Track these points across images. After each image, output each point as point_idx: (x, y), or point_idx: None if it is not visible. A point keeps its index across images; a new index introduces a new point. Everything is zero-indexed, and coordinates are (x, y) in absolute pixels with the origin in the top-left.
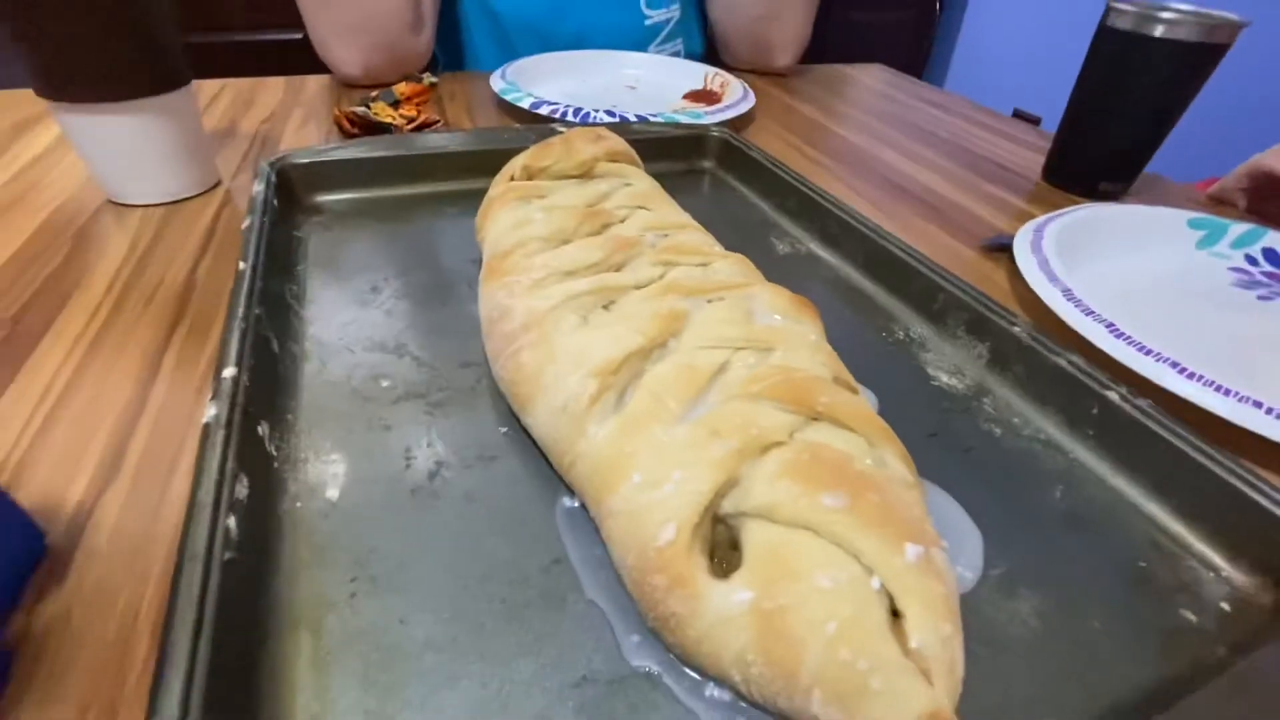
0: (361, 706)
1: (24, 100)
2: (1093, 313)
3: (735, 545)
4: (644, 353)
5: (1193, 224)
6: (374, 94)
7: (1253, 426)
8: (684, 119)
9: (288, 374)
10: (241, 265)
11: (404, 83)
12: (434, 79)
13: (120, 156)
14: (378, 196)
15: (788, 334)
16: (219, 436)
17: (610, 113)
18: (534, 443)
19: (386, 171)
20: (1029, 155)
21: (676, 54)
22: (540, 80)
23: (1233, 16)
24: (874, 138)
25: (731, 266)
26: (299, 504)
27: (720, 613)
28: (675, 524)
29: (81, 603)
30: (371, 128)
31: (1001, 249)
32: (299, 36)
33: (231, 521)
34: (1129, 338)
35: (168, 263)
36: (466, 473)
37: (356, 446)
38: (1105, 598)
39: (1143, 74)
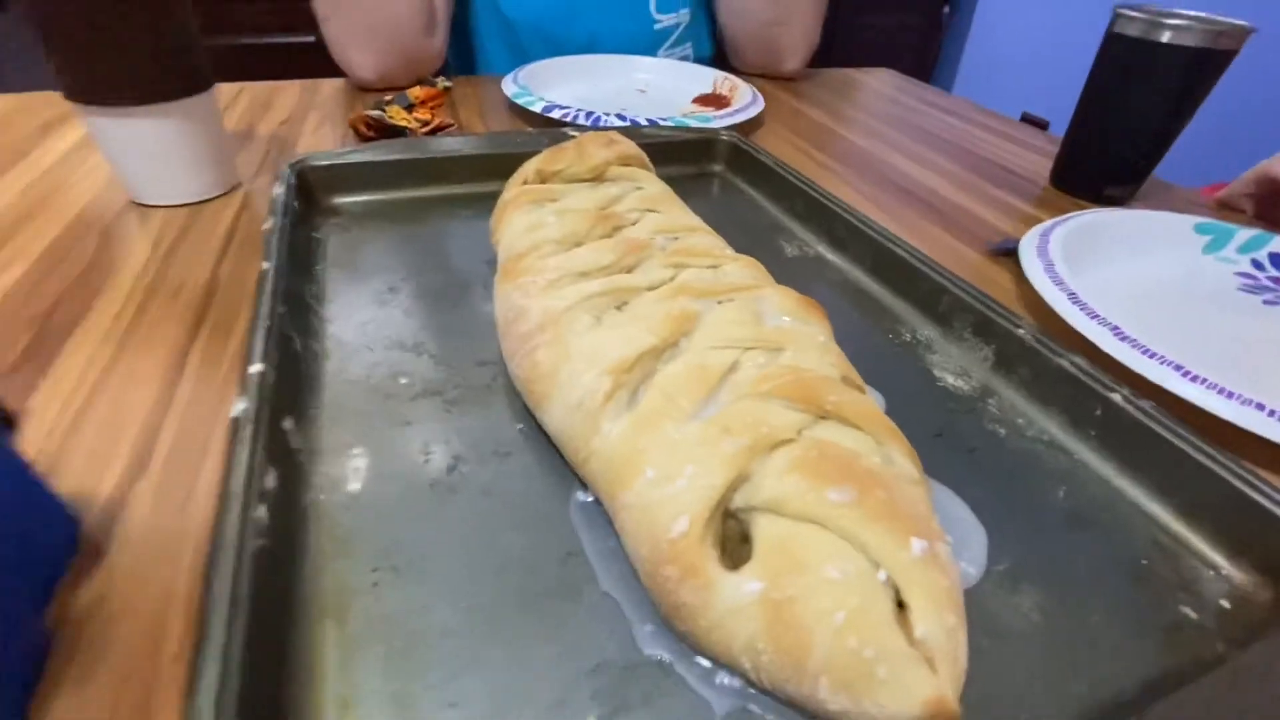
0: (386, 689)
1: (48, 102)
2: (1098, 316)
3: (745, 539)
4: (656, 352)
5: (1199, 229)
6: (389, 97)
7: (1254, 428)
8: (693, 123)
9: (310, 371)
10: (265, 265)
11: (418, 86)
12: (448, 83)
13: (145, 158)
14: (394, 199)
15: (796, 335)
16: (248, 430)
17: (621, 116)
18: (549, 439)
19: (402, 174)
20: (1036, 160)
21: (686, 58)
22: (551, 84)
23: (1240, 23)
24: (882, 142)
25: (741, 269)
26: (323, 496)
27: (731, 603)
28: (688, 517)
29: (116, 588)
30: (387, 131)
31: (1008, 253)
32: (311, 39)
33: (261, 511)
34: (1134, 341)
35: (191, 263)
36: (483, 468)
37: (377, 441)
38: (1106, 594)
39: (1150, 80)
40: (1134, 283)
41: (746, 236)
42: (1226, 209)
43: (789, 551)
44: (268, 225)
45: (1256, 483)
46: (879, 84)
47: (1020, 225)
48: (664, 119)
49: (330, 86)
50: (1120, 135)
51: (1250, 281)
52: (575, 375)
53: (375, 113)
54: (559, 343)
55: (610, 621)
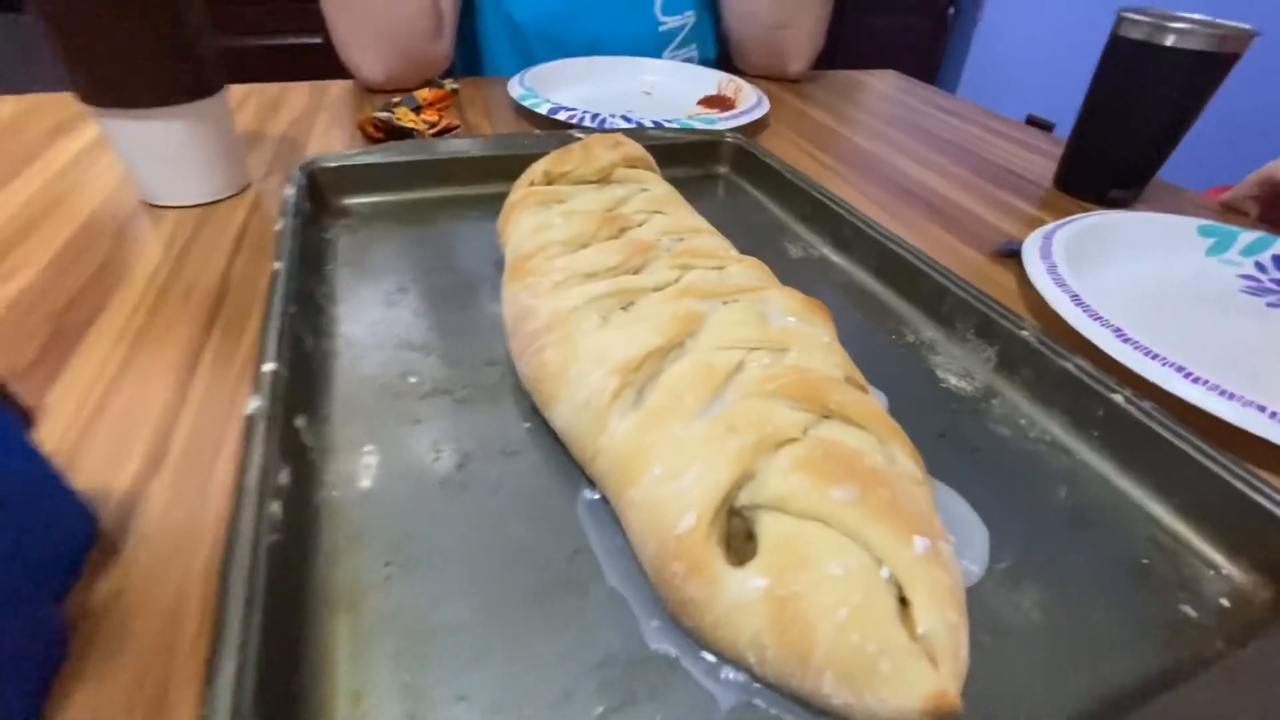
0: (398, 681)
1: (61, 104)
2: (1100, 318)
3: (750, 536)
4: (663, 352)
5: (1203, 231)
6: (396, 99)
7: (1255, 430)
8: (699, 125)
9: (321, 370)
10: (276, 266)
11: (425, 88)
12: (454, 85)
13: (159, 160)
14: (402, 200)
15: (801, 335)
16: (261, 428)
17: (626, 118)
18: (556, 437)
19: (411, 176)
20: (1040, 162)
21: (691, 60)
22: (557, 86)
23: (1244, 26)
24: (886, 143)
25: (746, 270)
26: (335, 493)
27: (736, 598)
28: (694, 513)
29: (133, 583)
30: (395, 132)
31: (1012, 255)
32: (318, 41)
33: (275, 507)
34: (1136, 342)
35: (203, 262)
36: (492, 465)
37: (387, 439)
38: (1107, 592)
39: (1154, 83)
40: (1137, 285)
41: (751, 238)
42: (1231, 212)
43: (793, 548)
44: (279, 226)
45: (1257, 483)
46: (883, 86)
47: (1024, 227)
48: (669, 121)
49: (338, 88)
50: (1124, 138)
51: (1254, 284)
52: (583, 374)
53: (383, 114)
54: (566, 342)
55: (617, 617)
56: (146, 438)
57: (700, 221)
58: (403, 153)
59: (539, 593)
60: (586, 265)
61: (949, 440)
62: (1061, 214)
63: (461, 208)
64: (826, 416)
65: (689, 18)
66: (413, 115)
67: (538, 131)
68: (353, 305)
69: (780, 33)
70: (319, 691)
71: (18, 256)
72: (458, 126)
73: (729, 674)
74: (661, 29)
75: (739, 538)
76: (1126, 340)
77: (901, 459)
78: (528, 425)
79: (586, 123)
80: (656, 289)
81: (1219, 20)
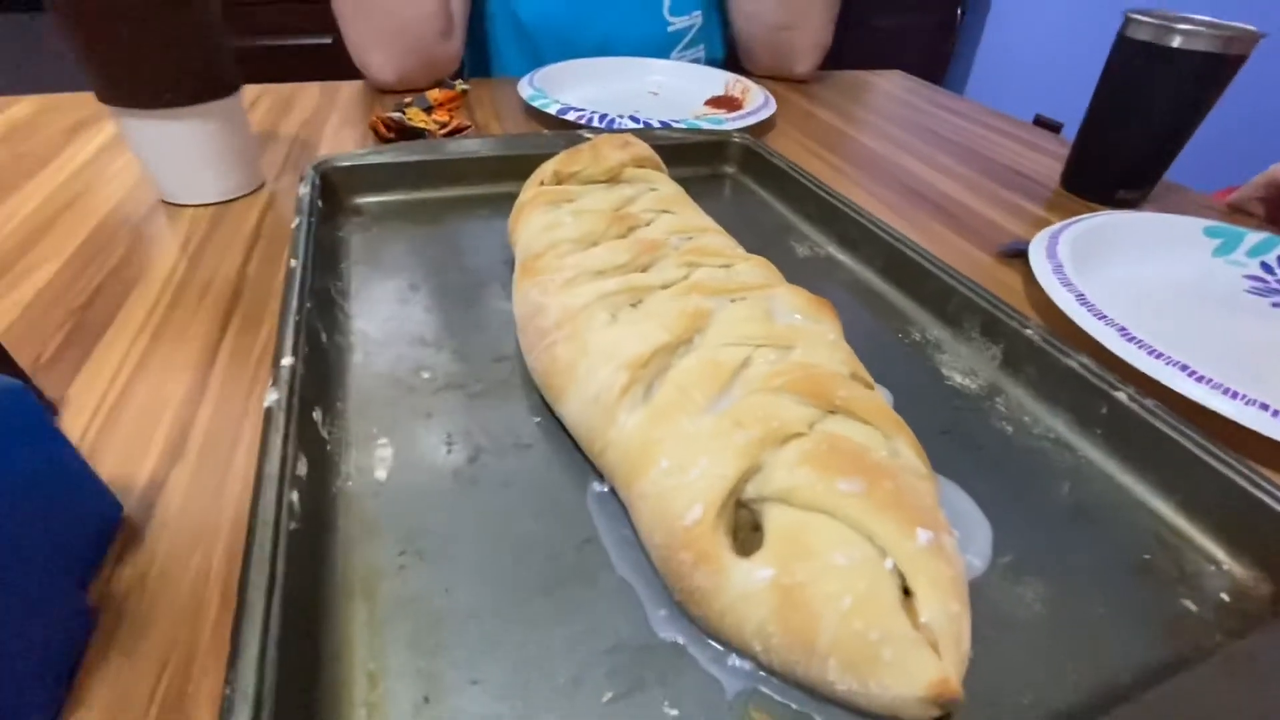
0: (413, 665)
1: (79, 103)
2: (1105, 317)
3: (756, 527)
4: (671, 348)
5: (1209, 232)
6: (408, 99)
7: (1258, 428)
8: (706, 125)
9: (336, 364)
10: (293, 263)
11: (436, 88)
12: (465, 85)
13: (176, 159)
14: (414, 199)
15: (807, 332)
16: (280, 419)
17: (634, 118)
18: (566, 431)
19: (422, 175)
20: (1047, 162)
21: (698, 60)
22: (566, 86)
23: (1250, 28)
24: (893, 144)
25: (753, 268)
26: (350, 483)
27: (743, 587)
28: (702, 505)
29: (156, 568)
30: (406, 132)
31: (1018, 254)
32: (328, 41)
33: (294, 495)
34: (1140, 341)
35: (219, 260)
36: (503, 458)
37: (401, 432)
38: (1108, 586)
39: (1160, 84)
40: (1143, 285)
41: (758, 237)
42: (1238, 213)
43: (799, 539)
44: (295, 223)
45: (1259, 480)
46: (890, 86)
47: (1031, 228)
48: (677, 121)
49: (350, 88)
50: (1131, 139)
51: (1260, 284)
52: (592, 370)
53: (395, 114)
54: (576, 339)
55: (625, 606)
56: (166, 430)
57: (708, 221)
58: (414, 152)
59: (549, 582)
60: (596, 263)
61: (953, 437)
62: (1068, 214)
63: (472, 207)
64: (832, 412)
65: (696, 18)
66: (424, 115)
67: (547, 132)
68: (366, 302)
69: (787, 33)
70: (337, 673)
71: (38, 253)
72: (468, 127)
73: (735, 661)
74: (670, 29)
75: (745, 529)
76: (1131, 339)
77: (906, 454)
78: (538, 420)
79: (595, 123)
80: (664, 287)
81: (1226, 22)
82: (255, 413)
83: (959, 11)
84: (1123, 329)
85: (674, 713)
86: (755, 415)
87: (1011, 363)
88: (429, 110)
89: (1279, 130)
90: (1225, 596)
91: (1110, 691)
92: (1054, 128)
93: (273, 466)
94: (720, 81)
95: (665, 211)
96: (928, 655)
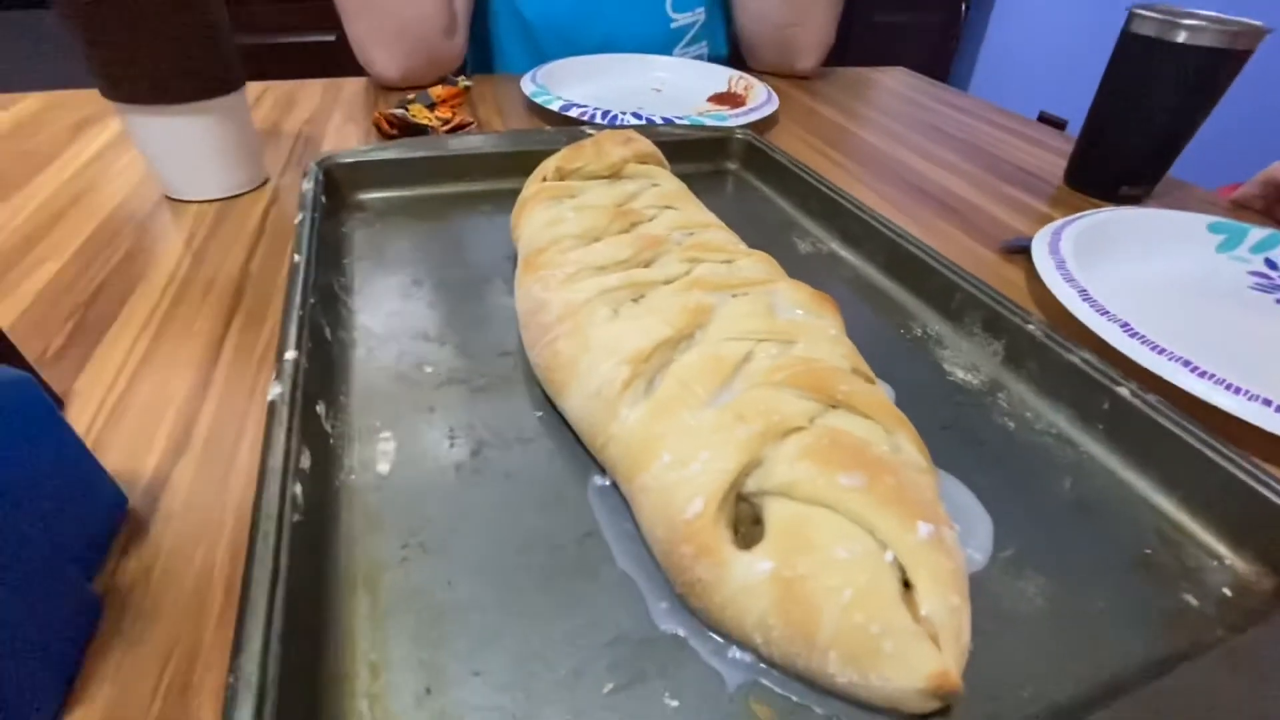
0: (415, 657)
1: (85, 100)
2: (1107, 313)
3: (757, 521)
4: (672, 343)
5: (1212, 228)
6: (411, 96)
7: (1260, 423)
8: (709, 121)
9: (340, 359)
10: (296, 258)
11: (439, 85)
12: (468, 82)
13: (181, 155)
14: (417, 195)
15: (809, 327)
16: (284, 412)
17: (637, 115)
18: (568, 426)
19: (425, 171)
20: (1051, 159)
21: (701, 57)
22: (569, 83)
23: (1255, 23)
24: (896, 140)
25: (755, 264)
26: (353, 476)
27: (743, 580)
28: (703, 498)
29: (161, 560)
30: (409, 129)
31: (1021, 251)
32: (331, 39)
33: (298, 489)
34: (1143, 337)
35: (223, 256)
36: (506, 452)
37: (404, 426)
38: (1110, 581)
39: (1165, 80)
40: (1147, 281)
41: (760, 233)
42: (1242, 209)
43: (800, 533)
44: (299, 219)
45: (1261, 475)
46: (893, 82)
47: (1034, 224)
48: (680, 117)
49: (353, 85)
50: (1135, 135)
51: (1263, 280)
52: (594, 364)
53: (398, 111)
54: (578, 333)
55: (627, 598)
56: (171, 424)
57: (710, 216)
58: (417, 149)
59: (551, 575)
60: (598, 259)
61: (955, 432)
62: (1072, 211)
63: (475, 203)
64: (833, 406)
65: (699, 15)
66: (427, 112)
67: (549, 128)
68: (370, 297)
69: (790, 30)
70: (340, 664)
71: (44, 249)
72: (471, 123)
73: (736, 654)
74: (673, 26)
75: (746, 522)
76: (1134, 335)
77: (907, 448)
78: (540, 414)
79: (598, 120)
80: (666, 282)
81: (1230, 17)
82: (259, 407)
83: (964, 8)
84: (1125, 325)
85: (675, 704)
86: (756, 409)
87: (1013, 358)
88: (432, 107)
89: None
90: (1227, 591)
91: (1111, 686)
92: (1058, 125)
93: (276, 459)
94: (723, 78)
95: (667, 207)
96: (928, 648)
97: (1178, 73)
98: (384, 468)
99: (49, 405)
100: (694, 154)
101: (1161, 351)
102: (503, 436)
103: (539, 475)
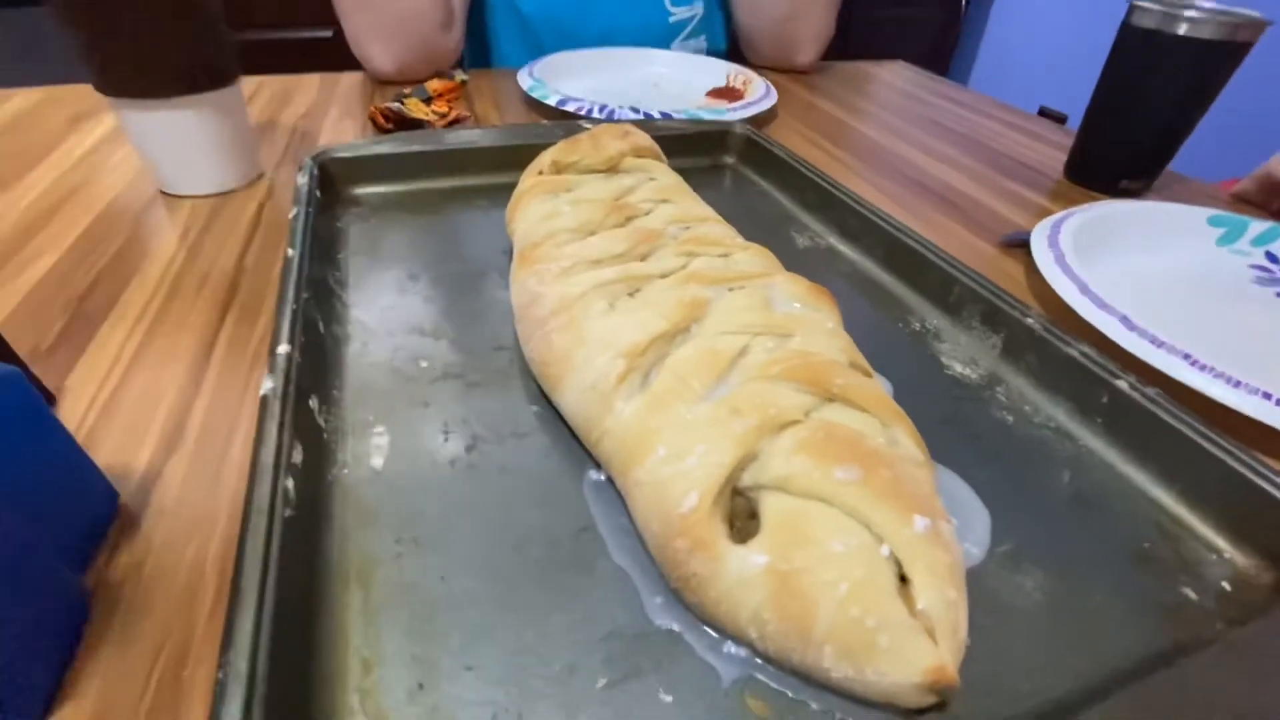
0: (408, 652)
1: (79, 95)
2: (1107, 306)
3: (753, 515)
4: (668, 336)
5: (1212, 221)
6: (407, 90)
7: (1261, 416)
8: (707, 116)
9: (334, 353)
10: (290, 252)
11: (435, 79)
12: (464, 76)
13: (175, 150)
14: (412, 189)
15: (806, 321)
16: (276, 407)
17: (635, 109)
18: (563, 421)
19: (421, 166)
20: (1051, 153)
21: (700, 51)
22: (566, 77)
23: (1256, 15)
24: (895, 135)
25: (751, 257)
26: (346, 471)
27: (738, 574)
28: (698, 492)
29: (152, 555)
30: (405, 123)
31: (1020, 244)
32: (328, 35)
33: (290, 483)
34: (1143, 330)
35: (217, 251)
36: (500, 447)
37: (398, 421)
38: (1108, 575)
39: (1165, 72)
40: (1147, 275)
41: (759, 228)
42: (1243, 203)
43: (795, 526)
44: (293, 214)
45: (1261, 468)
46: (892, 77)
47: (1034, 218)
48: (678, 112)
49: (349, 80)
50: (1135, 128)
51: (1264, 274)
52: (589, 358)
53: (394, 105)
54: (573, 327)
55: (621, 593)
56: (163, 419)
57: (707, 210)
58: (413, 143)
59: (545, 569)
60: (594, 252)
61: (953, 426)
62: (1072, 204)
63: (471, 197)
64: (830, 400)
65: (697, 9)
66: (423, 106)
67: (546, 122)
68: (365, 291)
69: (789, 24)
70: (331, 659)
71: (38, 244)
72: (467, 117)
73: (731, 649)
74: (671, 20)
75: (742, 517)
76: (1133, 328)
77: (904, 441)
78: (535, 408)
79: (595, 114)
80: (663, 276)
81: (1231, 9)
82: (252, 403)
83: (964, 2)
84: (1125, 318)
85: (669, 699)
86: (752, 403)
87: (1012, 352)
88: (428, 101)
89: None
90: (1226, 585)
91: (1109, 680)
92: (1059, 119)
93: (268, 454)
94: (721, 72)
95: (664, 201)
96: (924, 642)
97: (1178, 65)
98: (378, 462)
99: (38, 401)
100: (692, 148)
101: (1161, 345)
102: (497, 431)
103: (534, 470)
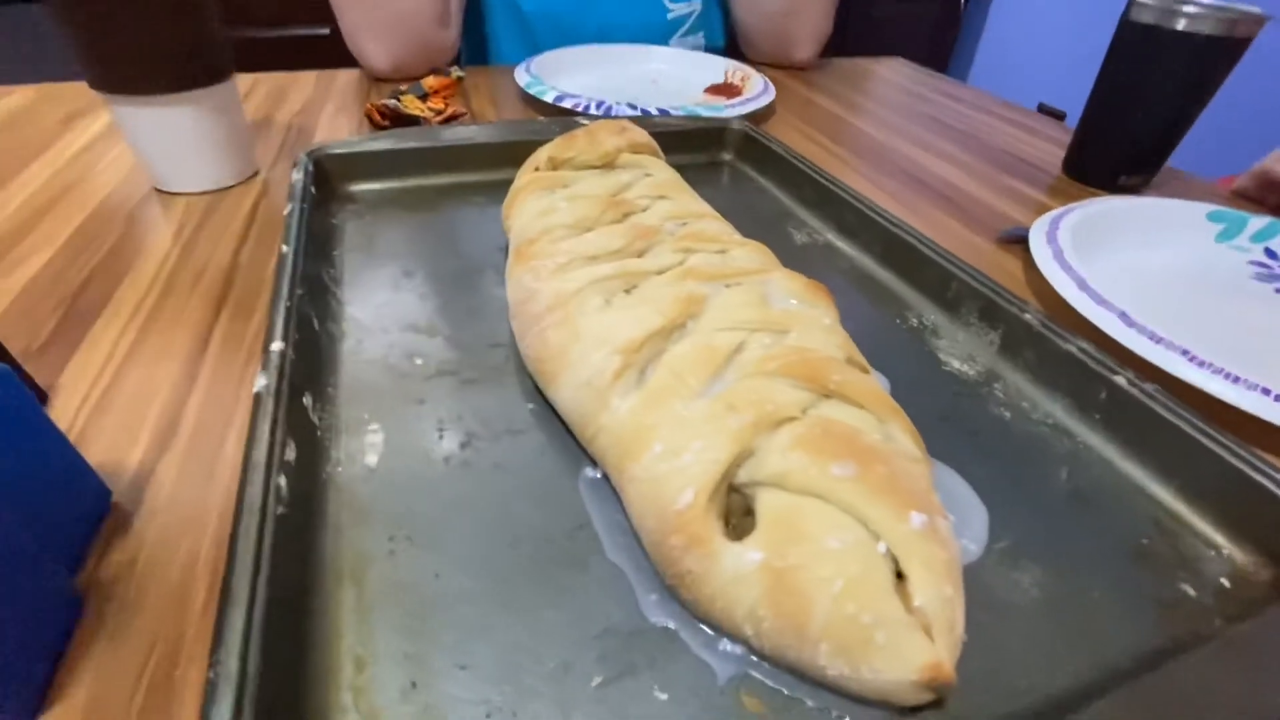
0: (401, 650)
1: (74, 92)
2: (1105, 302)
3: (749, 512)
4: (665, 333)
5: (1212, 217)
6: (403, 87)
7: (1259, 412)
8: (705, 112)
9: (328, 350)
10: (284, 249)
11: (432, 76)
12: (461, 73)
13: (169, 147)
14: (408, 186)
15: (803, 317)
16: (269, 404)
17: (632, 106)
18: (559, 418)
19: (416, 162)
20: (1049, 149)
21: (698, 47)
22: (563, 74)
23: (1255, 10)
24: (893, 131)
25: (749, 254)
26: (340, 469)
27: (734, 571)
28: (694, 489)
29: (145, 554)
30: (401, 120)
31: (1019, 241)
32: (325, 32)
33: (282, 481)
34: (1141, 326)
35: (212, 248)
36: (495, 444)
37: (392, 418)
38: (1106, 571)
39: (1164, 68)
40: (1146, 271)
41: (756, 224)
42: (1242, 199)
43: (791, 523)
44: (288, 210)
45: (1260, 464)
46: (891, 73)
47: (1033, 214)
48: (675, 108)
49: (345, 77)
50: (1134, 123)
51: (1263, 270)
52: (585, 354)
53: (390, 102)
54: (569, 323)
55: (616, 590)
56: (157, 417)
57: (704, 206)
58: (409, 140)
59: (540, 567)
60: (590, 248)
61: (950, 422)
62: (1070, 201)
63: (467, 194)
64: (826, 396)
65: (695, 5)
66: (419, 103)
67: (543, 119)
68: (360, 289)
69: (787, 20)
70: (324, 657)
71: (32, 241)
72: (464, 114)
73: (726, 646)
74: (669, 16)
75: (738, 513)
76: (1132, 324)
77: (900, 438)
78: (530, 406)
79: (592, 110)
80: (659, 272)
81: (1230, 4)
82: (246, 400)
83: None
84: (1123, 314)
85: (664, 697)
86: (749, 399)
87: (1010, 348)
88: (424, 98)
89: None
90: (1225, 582)
91: (1107, 677)
92: (1057, 116)
93: (260, 451)
94: (719, 69)
95: (661, 197)
96: (920, 639)
97: (1177, 61)
98: (372, 460)
99: (30, 399)
100: (690, 145)
101: (1160, 341)
102: (493, 428)
103: (529, 467)
